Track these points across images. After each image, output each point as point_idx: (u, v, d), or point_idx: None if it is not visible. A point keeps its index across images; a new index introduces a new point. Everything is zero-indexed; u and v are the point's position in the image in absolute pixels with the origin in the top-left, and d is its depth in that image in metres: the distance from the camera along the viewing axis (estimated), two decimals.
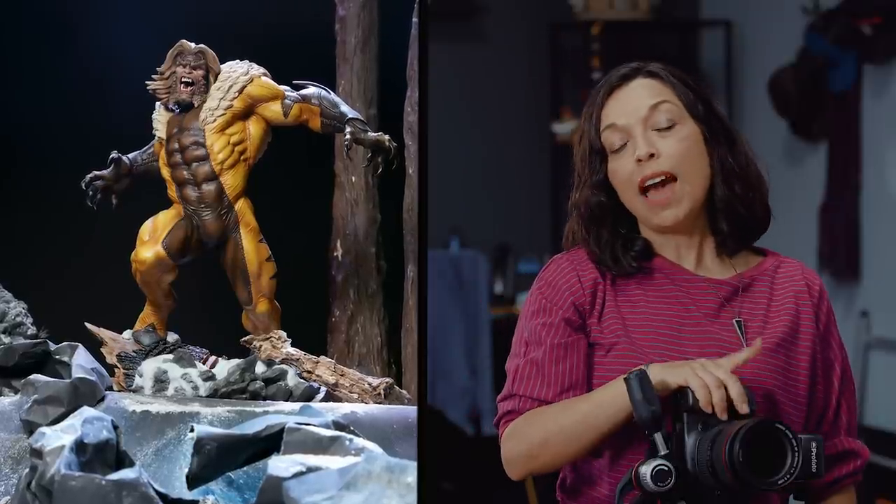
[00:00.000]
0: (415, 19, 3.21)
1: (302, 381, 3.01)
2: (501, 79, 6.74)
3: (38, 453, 2.53)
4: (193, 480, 2.60)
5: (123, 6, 3.44)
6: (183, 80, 3.11)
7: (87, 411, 2.70)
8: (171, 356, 3.05)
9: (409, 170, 3.30)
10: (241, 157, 3.14)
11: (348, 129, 3.14)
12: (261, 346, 3.13)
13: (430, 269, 2.76)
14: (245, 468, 2.66)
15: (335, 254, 3.44)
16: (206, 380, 2.99)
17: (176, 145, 3.14)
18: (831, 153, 5.97)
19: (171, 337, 3.19)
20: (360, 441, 2.57)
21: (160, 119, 3.19)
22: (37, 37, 3.46)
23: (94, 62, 3.43)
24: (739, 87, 6.69)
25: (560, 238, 2.29)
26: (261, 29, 3.42)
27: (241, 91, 3.12)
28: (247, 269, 3.16)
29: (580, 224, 2.22)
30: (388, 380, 3.10)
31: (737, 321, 2.15)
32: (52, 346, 2.99)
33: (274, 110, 3.15)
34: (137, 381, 3.01)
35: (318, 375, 3.06)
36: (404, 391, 3.14)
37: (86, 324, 3.15)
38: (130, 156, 3.25)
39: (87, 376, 2.83)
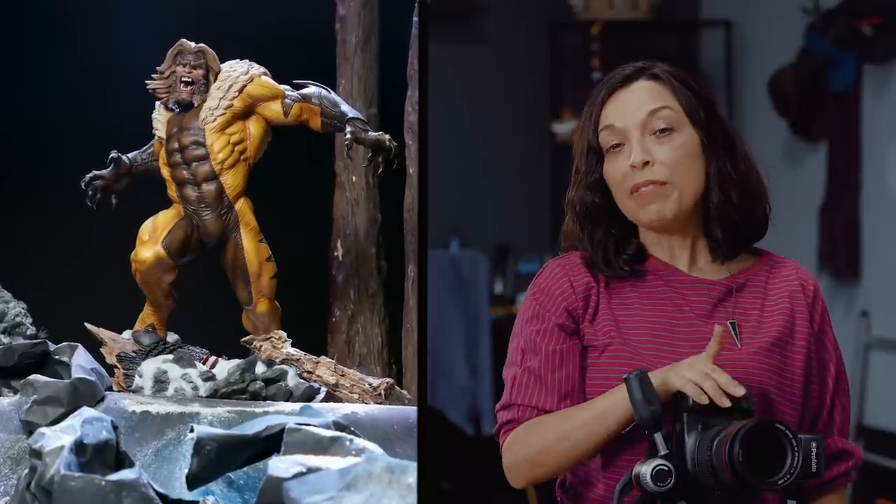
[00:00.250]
0: (415, 19, 3.21)
1: (302, 381, 3.01)
2: (501, 79, 6.73)
3: (37, 454, 2.53)
4: (193, 481, 2.59)
5: (123, 6, 3.44)
6: (183, 79, 3.11)
7: (86, 412, 2.70)
8: (170, 356, 3.05)
9: (409, 169, 3.30)
10: (242, 157, 3.14)
11: (349, 129, 3.14)
12: (261, 346, 3.13)
13: (430, 269, 2.76)
14: (245, 469, 2.66)
15: (335, 254, 3.44)
16: (206, 380, 2.99)
17: (176, 145, 3.14)
18: (831, 153, 5.96)
19: (171, 337, 3.19)
20: (360, 441, 2.57)
21: (160, 118, 3.18)
22: (37, 37, 3.45)
23: (94, 62, 3.42)
24: (739, 87, 6.68)
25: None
26: (261, 28, 3.42)
27: (241, 90, 3.12)
28: (247, 269, 3.16)
29: (575, 221, 2.22)
30: (388, 380, 3.10)
31: (731, 322, 2.15)
32: (52, 347, 2.99)
33: (274, 110, 3.15)
34: (137, 381, 3.01)
35: (318, 376, 3.05)
36: (405, 391, 3.13)
37: (85, 324, 3.15)
38: (130, 155, 3.24)
39: (87, 377, 2.83)
